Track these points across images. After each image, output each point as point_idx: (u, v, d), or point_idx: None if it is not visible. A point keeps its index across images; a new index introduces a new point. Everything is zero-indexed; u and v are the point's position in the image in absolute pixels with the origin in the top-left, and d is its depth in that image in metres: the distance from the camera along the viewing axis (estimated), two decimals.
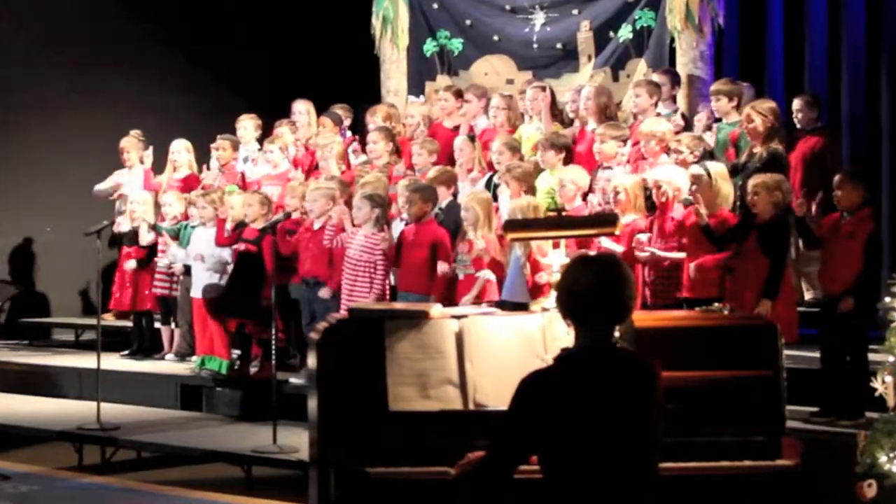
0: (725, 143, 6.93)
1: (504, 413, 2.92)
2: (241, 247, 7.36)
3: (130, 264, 8.31)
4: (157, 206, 8.42)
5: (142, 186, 8.69)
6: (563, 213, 5.65)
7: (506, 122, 7.74)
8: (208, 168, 8.75)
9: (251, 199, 7.46)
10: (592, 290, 2.88)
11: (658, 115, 7.14)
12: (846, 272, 5.51)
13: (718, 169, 5.96)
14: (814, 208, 5.99)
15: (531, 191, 6.79)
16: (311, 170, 8.32)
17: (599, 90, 7.44)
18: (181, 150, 8.73)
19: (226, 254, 7.51)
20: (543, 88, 7.69)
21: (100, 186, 8.83)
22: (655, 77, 7.58)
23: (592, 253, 4.48)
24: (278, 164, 8.21)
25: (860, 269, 5.46)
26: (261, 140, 8.67)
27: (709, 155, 6.69)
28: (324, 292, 6.94)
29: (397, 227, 7.07)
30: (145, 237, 8.26)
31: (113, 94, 9.74)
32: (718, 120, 7.31)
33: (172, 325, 8.24)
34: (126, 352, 8.37)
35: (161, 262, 8.19)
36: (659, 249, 5.99)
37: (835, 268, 5.63)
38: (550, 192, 6.85)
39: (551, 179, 6.92)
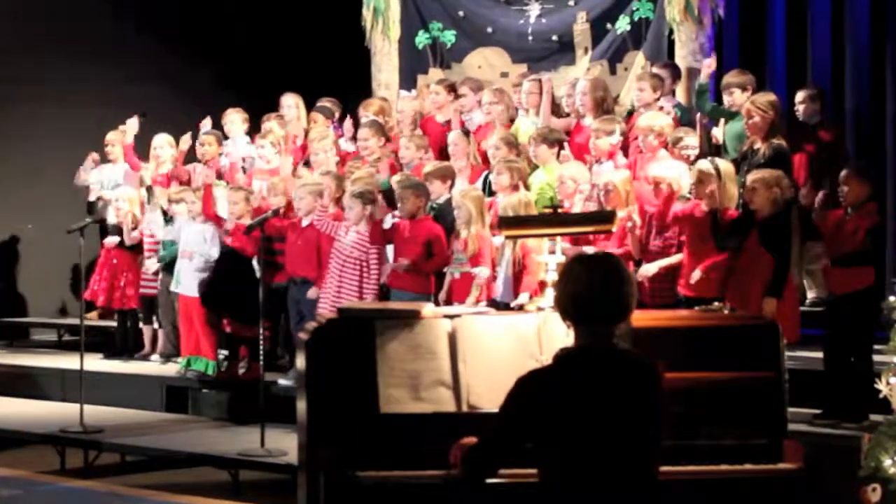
0: (742, 137, 6.77)
1: (498, 411, 2.88)
2: (229, 240, 7.26)
3: (112, 240, 8.16)
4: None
5: (126, 182, 8.59)
6: (559, 210, 5.58)
7: (498, 117, 7.66)
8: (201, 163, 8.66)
9: (236, 196, 7.35)
10: (592, 289, 2.86)
11: (661, 108, 7.07)
12: (853, 270, 5.43)
13: (727, 167, 5.91)
14: (817, 201, 5.91)
15: (523, 186, 6.71)
16: (300, 165, 8.22)
17: (595, 84, 7.38)
18: (164, 145, 8.64)
19: (214, 252, 7.39)
20: (541, 82, 7.61)
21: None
22: (655, 70, 7.52)
23: (590, 251, 4.41)
24: (270, 160, 8.11)
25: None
26: (249, 134, 8.58)
27: (716, 150, 6.60)
28: (311, 293, 6.84)
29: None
30: (130, 236, 8.13)
31: (97, 88, 9.65)
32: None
33: (155, 325, 8.14)
34: (109, 353, 8.26)
35: (148, 262, 8.08)
36: (656, 247, 5.96)
37: (841, 267, 5.53)
38: (545, 188, 6.78)
39: (546, 175, 6.85)
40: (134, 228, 8.18)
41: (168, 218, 7.93)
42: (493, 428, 2.89)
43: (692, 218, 5.80)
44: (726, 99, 7.08)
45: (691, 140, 6.53)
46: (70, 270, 9.22)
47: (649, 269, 5.88)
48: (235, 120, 8.63)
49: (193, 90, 9.90)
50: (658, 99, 7.15)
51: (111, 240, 8.23)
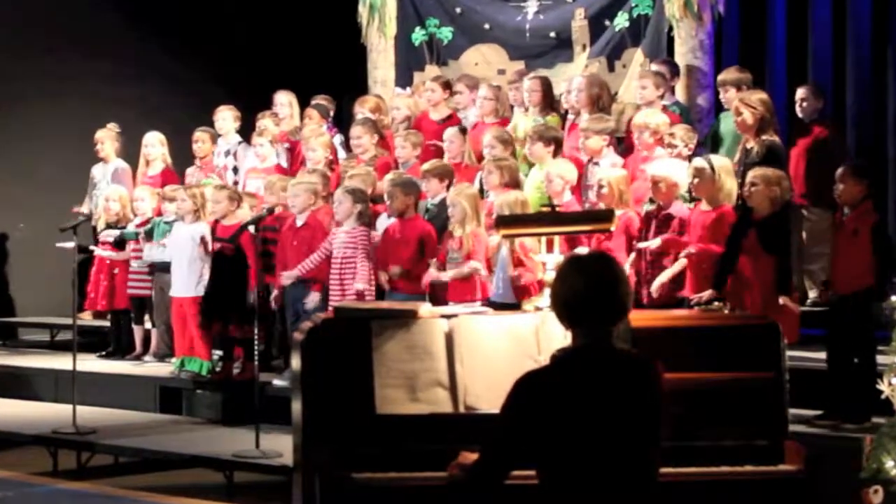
0: (737, 136, 6.74)
1: (497, 415, 2.86)
2: (217, 246, 7.22)
3: (105, 252, 8.12)
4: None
5: (118, 181, 8.54)
6: (556, 209, 5.56)
7: (492, 112, 7.64)
8: (195, 162, 8.61)
9: (219, 195, 7.27)
10: (587, 290, 2.84)
11: (663, 107, 7.04)
12: (855, 270, 5.40)
13: (722, 163, 5.89)
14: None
15: (514, 185, 6.67)
16: (295, 164, 8.19)
17: (591, 80, 7.34)
18: (155, 143, 8.60)
19: (197, 254, 7.33)
20: (540, 79, 7.58)
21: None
22: (654, 67, 7.50)
23: (585, 251, 4.39)
24: (267, 158, 8.07)
25: (871, 259, 5.36)
26: (241, 132, 8.53)
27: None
28: (311, 300, 6.75)
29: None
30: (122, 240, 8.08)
31: (89, 85, 9.60)
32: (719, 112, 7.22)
33: (147, 325, 8.10)
34: (103, 353, 8.23)
35: (135, 263, 8.02)
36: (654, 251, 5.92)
37: (843, 266, 5.52)
38: (541, 186, 6.74)
39: (542, 174, 6.81)
40: (124, 227, 8.13)
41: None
42: (493, 433, 2.86)
43: (714, 220, 5.75)
44: (722, 96, 7.06)
45: (675, 140, 6.46)
46: (63, 270, 9.15)
47: (657, 280, 5.78)
48: (227, 117, 8.59)
49: (190, 89, 9.86)
50: (662, 96, 7.11)
51: (108, 233, 8.14)
